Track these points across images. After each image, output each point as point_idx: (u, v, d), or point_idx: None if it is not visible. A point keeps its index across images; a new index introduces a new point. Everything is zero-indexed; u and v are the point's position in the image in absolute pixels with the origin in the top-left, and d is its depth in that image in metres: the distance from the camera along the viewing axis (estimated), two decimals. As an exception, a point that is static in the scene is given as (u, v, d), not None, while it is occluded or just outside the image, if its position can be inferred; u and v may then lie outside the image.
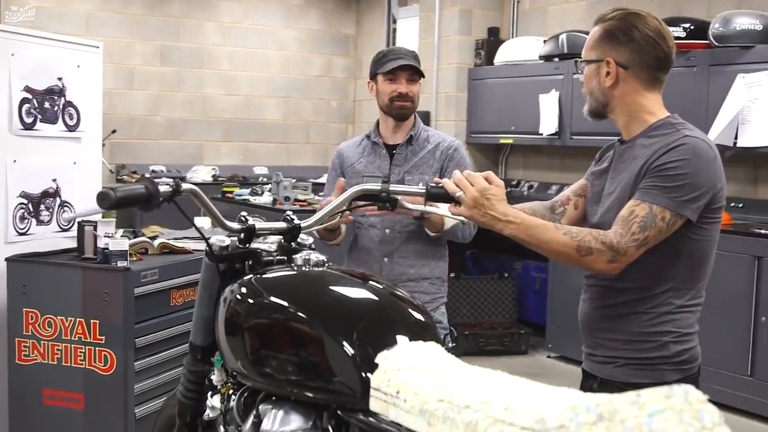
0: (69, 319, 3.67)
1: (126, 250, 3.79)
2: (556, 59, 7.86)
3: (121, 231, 3.95)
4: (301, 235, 2.52)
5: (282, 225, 2.49)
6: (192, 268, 4.03)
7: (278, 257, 2.46)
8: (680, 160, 2.46)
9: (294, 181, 7.70)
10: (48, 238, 4.09)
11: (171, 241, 4.21)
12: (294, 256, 2.39)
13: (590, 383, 2.73)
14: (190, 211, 2.44)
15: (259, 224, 2.47)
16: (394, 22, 10.75)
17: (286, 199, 7.22)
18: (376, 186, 2.57)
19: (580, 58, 2.74)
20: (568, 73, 7.68)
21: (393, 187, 2.56)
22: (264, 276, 2.32)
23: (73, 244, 4.08)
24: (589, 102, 2.70)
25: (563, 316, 7.22)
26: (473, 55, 8.79)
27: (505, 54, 8.43)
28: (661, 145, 2.51)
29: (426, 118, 8.56)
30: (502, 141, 8.42)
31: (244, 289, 2.28)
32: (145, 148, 9.98)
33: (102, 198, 2.14)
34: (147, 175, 9.37)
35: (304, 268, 2.33)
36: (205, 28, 10.53)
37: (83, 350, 3.67)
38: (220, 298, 2.39)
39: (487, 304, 7.63)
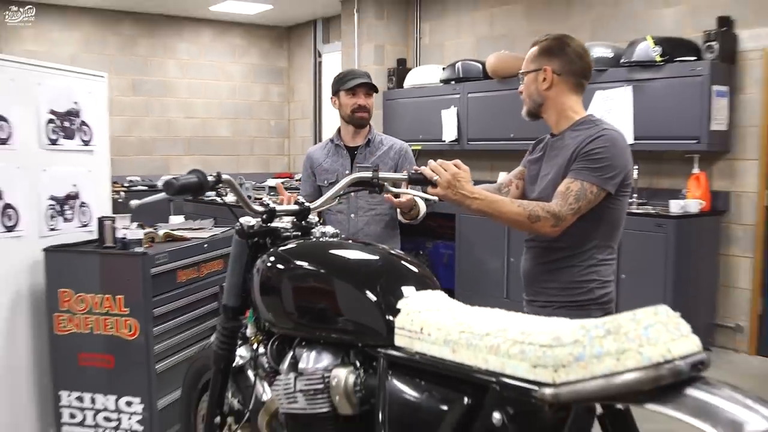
0: (98, 296, 3.56)
1: (141, 239, 3.70)
2: (453, 82, 7.87)
3: (135, 224, 3.87)
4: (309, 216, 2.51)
5: (295, 207, 2.47)
6: (191, 252, 3.97)
7: (293, 233, 2.44)
8: (603, 147, 2.51)
9: (254, 183, 7.65)
10: (71, 232, 3.95)
11: (172, 231, 4.15)
12: (312, 231, 2.37)
13: (530, 325, 2.76)
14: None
15: (279, 207, 2.44)
16: (320, 56, 10.73)
17: (249, 198, 7.14)
18: (368, 174, 2.57)
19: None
20: (463, 92, 7.72)
21: (381, 174, 2.56)
22: (293, 246, 2.28)
23: (91, 237, 3.98)
24: (527, 104, 2.71)
25: (468, 282, 7.34)
26: (386, 80, 8.78)
27: (412, 79, 8.44)
28: (586, 136, 2.56)
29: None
30: (412, 147, 8.38)
31: (275, 258, 2.25)
32: (122, 163, 9.72)
33: (168, 186, 2.09)
34: (126, 185, 9.14)
35: (322, 239, 2.32)
36: (168, 64, 10.36)
37: (111, 321, 3.57)
38: (252, 268, 2.37)
39: (406, 276, 7.63)
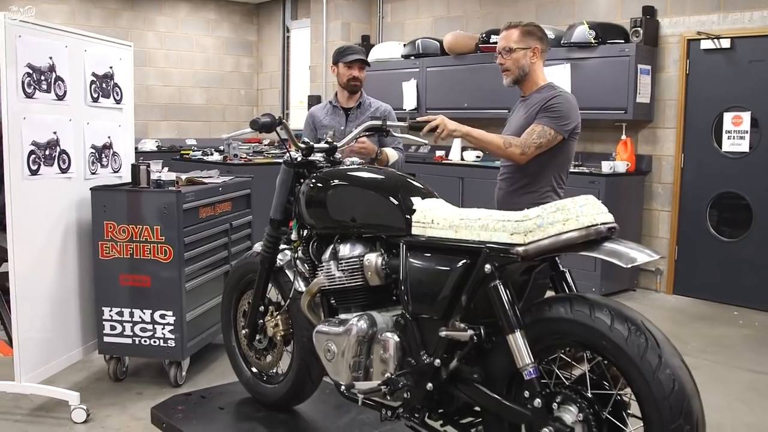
0: (138, 226, 4.09)
1: (174, 180, 4.27)
2: (413, 57, 8.47)
3: (166, 168, 4.47)
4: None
5: (326, 145, 3.11)
6: (210, 194, 4.49)
7: (326, 165, 3.05)
8: (559, 104, 3.31)
9: (239, 144, 8.18)
10: (106, 176, 4.47)
11: (193, 177, 4.76)
12: (343, 161, 3.04)
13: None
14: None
15: (316, 145, 3.11)
16: (288, 31, 11.23)
17: (235, 155, 7.64)
18: (378, 123, 3.24)
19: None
20: (422, 67, 8.33)
21: (389, 123, 3.24)
22: (333, 170, 2.92)
23: (121, 181, 4.50)
24: (515, 74, 3.44)
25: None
26: (352, 55, 9.30)
27: (376, 54, 8.93)
28: (548, 95, 3.35)
29: (318, 100, 9.01)
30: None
31: (317, 180, 2.88)
32: (105, 127, 10.15)
33: (253, 123, 2.78)
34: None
35: (351, 166, 2.99)
36: (147, 36, 10.78)
37: (149, 247, 4.09)
38: (296, 190, 3.00)
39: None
